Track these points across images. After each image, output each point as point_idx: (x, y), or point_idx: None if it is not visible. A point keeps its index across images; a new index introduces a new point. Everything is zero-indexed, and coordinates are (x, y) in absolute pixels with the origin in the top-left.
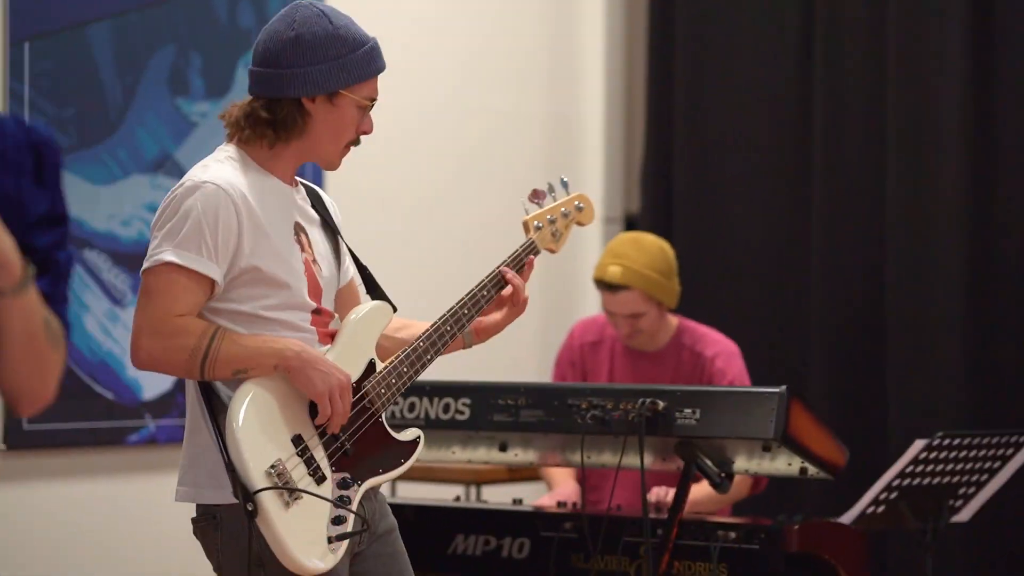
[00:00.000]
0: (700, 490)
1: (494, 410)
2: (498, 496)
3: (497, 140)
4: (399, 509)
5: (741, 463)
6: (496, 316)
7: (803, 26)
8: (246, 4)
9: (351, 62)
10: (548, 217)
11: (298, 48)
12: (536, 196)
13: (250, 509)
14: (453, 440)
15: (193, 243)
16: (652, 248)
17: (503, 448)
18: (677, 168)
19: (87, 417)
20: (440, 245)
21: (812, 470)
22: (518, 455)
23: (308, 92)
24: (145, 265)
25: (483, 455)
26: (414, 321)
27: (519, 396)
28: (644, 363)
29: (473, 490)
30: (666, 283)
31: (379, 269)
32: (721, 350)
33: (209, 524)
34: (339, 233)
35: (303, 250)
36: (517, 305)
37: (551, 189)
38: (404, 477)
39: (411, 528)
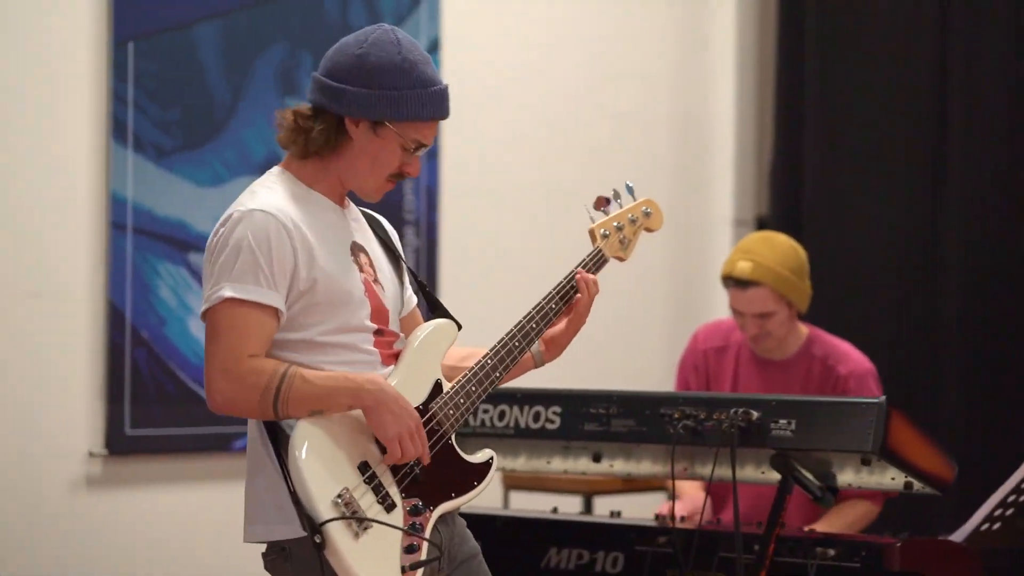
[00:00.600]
0: (838, 520)
1: (585, 419)
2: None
3: (622, 141)
4: (490, 520)
5: (846, 477)
6: (560, 327)
7: (938, 23)
8: (358, 2)
9: (405, 98)
10: (615, 224)
11: (358, 66)
12: (601, 203)
13: (318, 541)
14: (547, 450)
15: (250, 274)
16: (784, 246)
17: (596, 459)
18: (807, 170)
19: (191, 422)
20: (563, 247)
21: (918, 485)
22: (613, 466)
23: (352, 112)
24: (205, 306)
25: (582, 466)
26: (479, 349)
27: (611, 405)
28: (771, 371)
29: (586, 501)
30: (797, 282)
31: (501, 271)
32: (855, 368)
33: (279, 557)
34: (401, 258)
35: (362, 271)
36: (579, 314)
37: (616, 196)
38: (516, 486)
39: (503, 540)
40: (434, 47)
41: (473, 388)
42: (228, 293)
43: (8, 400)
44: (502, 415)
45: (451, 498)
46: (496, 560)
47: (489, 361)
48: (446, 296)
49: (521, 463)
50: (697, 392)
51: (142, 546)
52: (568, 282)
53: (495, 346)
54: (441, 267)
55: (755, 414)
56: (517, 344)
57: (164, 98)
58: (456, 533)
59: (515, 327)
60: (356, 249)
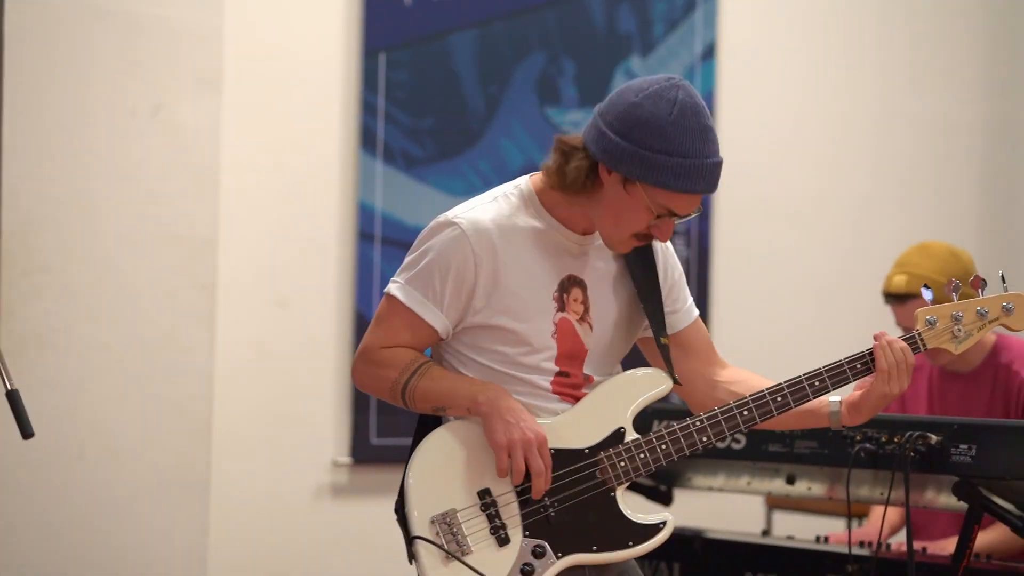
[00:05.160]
0: (991, 533)
1: (770, 439)
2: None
3: (923, 150)
4: (688, 540)
5: None
6: (861, 392)
7: None
8: (627, 8)
9: (657, 162)
10: (953, 313)
11: (626, 115)
12: (976, 284)
13: (408, 553)
14: (737, 469)
15: (421, 285)
16: (941, 253)
17: (791, 480)
18: None
19: None
20: (848, 262)
21: None
22: (811, 489)
23: (605, 160)
24: (387, 287)
25: (779, 487)
26: (761, 380)
27: None
28: (958, 386)
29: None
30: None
31: (779, 286)
32: None
33: (412, 556)
34: (654, 284)
35: (563, 308)
36: (883, 383)
37: (982, 284)
38: (780, 506)
39: (699, 564)
40: (709, 53)
41: (663, 447)
42: (396, 292)
43: (255, 409)
44: None
45: (591, 551)
46: None
47: (698, 424)
48: (718, 311)
49: (720, 482)
50: (884, 414)
51: (385, 556)
52: (851, 364)
53: (720, 409)
54: (713, 280)
55: (934, 438)
56: (746, 415)
57: (415, 108)
58: None
59: (753, 397)
60: (570, 283)
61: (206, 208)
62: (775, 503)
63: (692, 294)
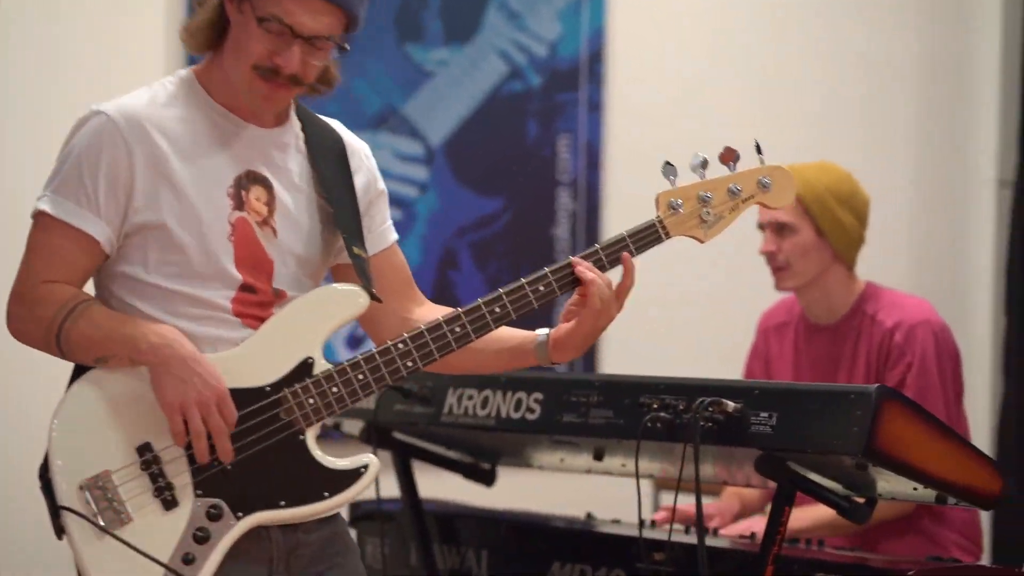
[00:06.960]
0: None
1: (564, 409)
2: None
3: (850, 90)
4: (494, 524)
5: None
6: (569, 325)
7: None
8: None
9: None
10: (700, 194)
11: None
12: (728, 157)
13: (55, 528)
14: (537, 444)
15: (71, 190)
16: (839, 172)
17: (598, 456)
18: None
19: None
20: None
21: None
22: (626, 465)
23: None
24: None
25: (594, 464)
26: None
27: (592, 392)
28: (823, 340)
29: None
30: (835, 208)
31: (676, 242)
32: (904, 319)
33: (60, 530)
34: (350, 193)
35: (243, 207)
36: (593, 311)
37: (735, 158)
38: (669, 487)
39: (506, 550)
40: None
41: (360, 377)
42: (43, 206)
43: None
44: (485, 402)
45: (278, 507)
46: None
47: (400, 346)
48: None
49: (544, 460)
50: (685, 378)
51: None
52: (569, 263)
53: (426, 327)
54: (604, 237)
55: (731, 405)
56: (458, 332)
57: None
58: (304, 550)
59: (470, 307)
60: (249, 180)
61: None
62: (663, 484)
63: (580, 253)
